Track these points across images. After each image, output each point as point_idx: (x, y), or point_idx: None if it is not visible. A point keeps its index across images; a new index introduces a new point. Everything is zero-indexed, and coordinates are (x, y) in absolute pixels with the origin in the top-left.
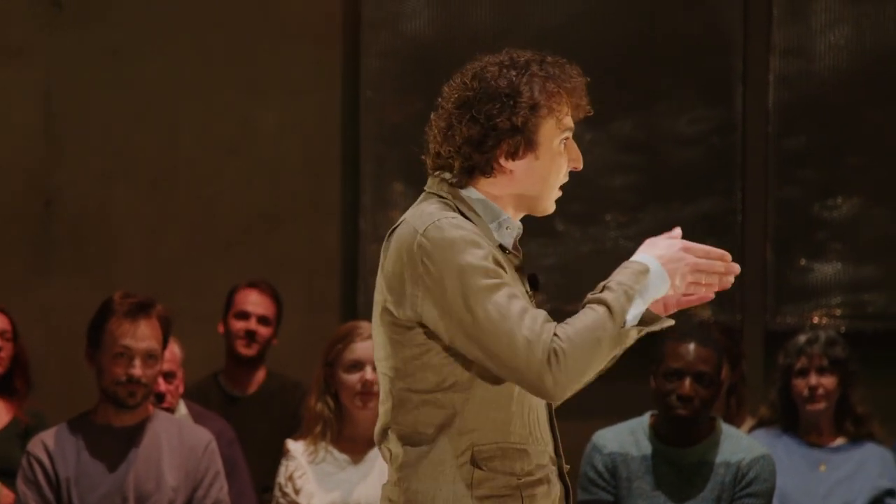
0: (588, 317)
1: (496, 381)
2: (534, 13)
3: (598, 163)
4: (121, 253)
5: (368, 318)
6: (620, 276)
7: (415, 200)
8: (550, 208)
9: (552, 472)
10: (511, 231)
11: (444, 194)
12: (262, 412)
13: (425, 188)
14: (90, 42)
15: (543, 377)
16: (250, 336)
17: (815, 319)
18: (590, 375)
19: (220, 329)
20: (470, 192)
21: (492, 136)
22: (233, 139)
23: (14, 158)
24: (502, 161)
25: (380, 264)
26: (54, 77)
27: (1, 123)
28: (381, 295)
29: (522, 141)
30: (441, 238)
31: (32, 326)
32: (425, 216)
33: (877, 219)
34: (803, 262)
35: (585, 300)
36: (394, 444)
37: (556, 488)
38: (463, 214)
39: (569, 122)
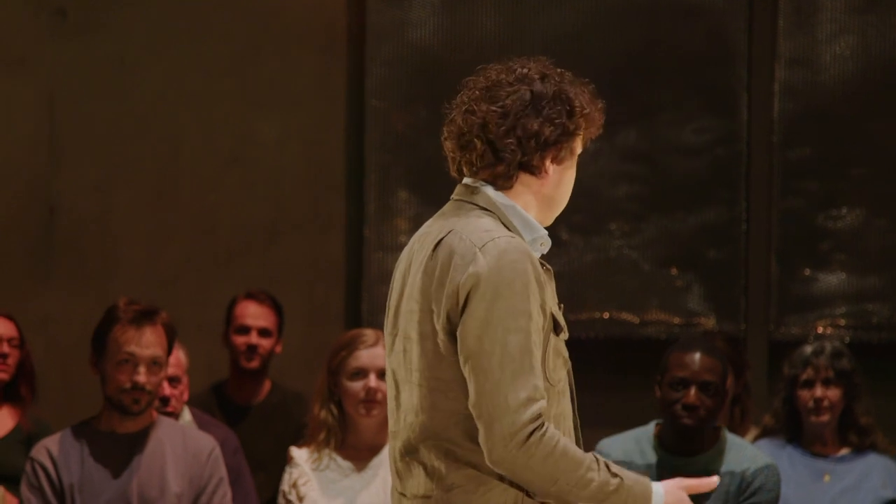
0: (583, 464)
1: (550, 402)
2: (539, 23)
3: (602, 172)
4: (122, 262)
5: (373, 326)
6: (631, 482)
7: (419, 209)
8: (552, 220)
9: None
10: (544, 247)
11: (485, 205)
12: (265, 424)
13: (459, 196)
14: (93, 51)
15: (501, 448)
16: (252, 350)
17: (819, 330)
18: (527, 483)
19: (223, 343)
20: (507, 203)
21: (554, 136)
22: (236, 148)
23: (16, 167)
24: (547, 163)
25: (417, 270)
26: (57, 86)
27: (4, 132)
28: (421, 304)
29: (569, 147)
30: (498, 261)
31: (33, 335)
32: (482, 231)
33: (881, 229)
34: (807, 272)
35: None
36: (433, 459)
37: None
38: (507, 228)
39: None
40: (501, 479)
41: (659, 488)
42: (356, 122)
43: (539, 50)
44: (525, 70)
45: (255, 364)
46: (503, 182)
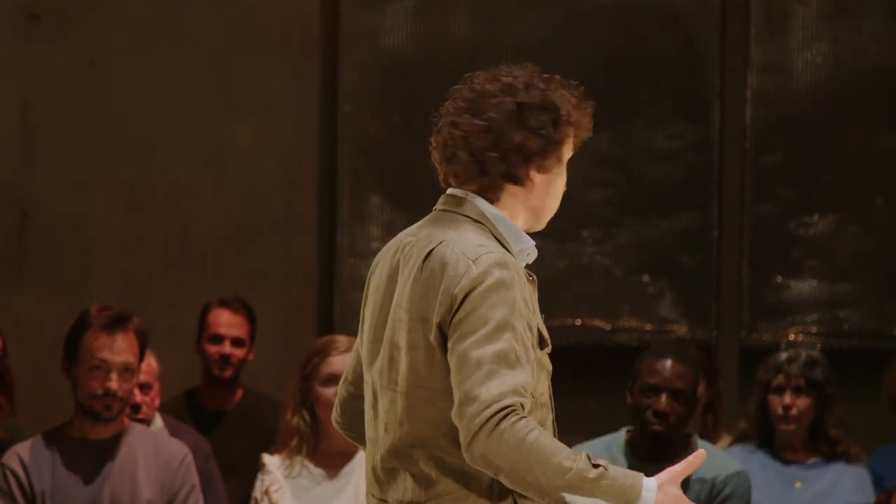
0: (560, 453)
1: (533, 414)
2: (513, 29)
3: (575, 178)
4: (96, 265)
5: (345, 332)
6: (616, 473)
7: (391, 214)
8: (544, 225)
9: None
10: (531, 258)
11: (476, 217)
12: (238, 430)
13: (446, 207)
14: (67, 54)
15: (473, 438)
16: (225, 359)
17: (791, 336)
18: (504, 474)
19: (196, 350)
20: (497, 214)
21: (539, 147)
22: (209, 152)
23: None
24: (532, 172)
25: (407, 280)
26: (30, 89)
27: None
28: (410, 313)
29: (555, 155)
30: (490, 273)
31: (6, 338)
32: (474, 244)
33: (852, 236)
34: (779, 279)
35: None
36: (422, 467)
37: None
38: (497, 240)
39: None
40: (492, 487)
41: (652, 483)
42: (329, 127)
43: (512, 55)
44: (510, 79)
45: (228, 373)
46: (490, 194)
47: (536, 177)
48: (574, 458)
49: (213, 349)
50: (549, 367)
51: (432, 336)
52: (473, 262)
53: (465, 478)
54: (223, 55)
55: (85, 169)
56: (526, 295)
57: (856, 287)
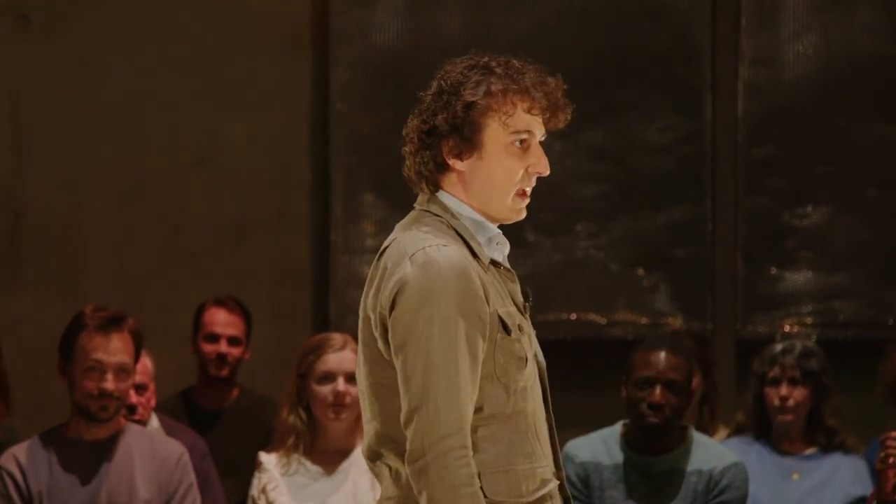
0: None
1: (501, 401)
2: (503, 24)
3: (568, 172)
4: (89, 265)
5: (339, 330)
6: None
7: (385, 212)
8: (516, 214)
9: (555, 485)
10: (502, 247)
11: (437, 212)
12: (234, 429)
13: (415, 205)
14: (58, 54)
15: (419, 458)
16: (221, 359)
17: (786, 328)
18: (425, 499)
19: (191, 349)
20: (461, 208)
21: (434, 134)
22: (202, 151)
23: None
24: (450, 160)
25: (368, 280)
26: (22, 89)
27: None
28: (368, 312)
29: (461, 140)
30: (424, 270)
31: (0, 340)
32: (417, 240)
33: (846, 227)
34: (773, 270)
35: None
36: (394, 461)
37: (558, 502)
38: (458, 232)
39: (519, 123)
40: None
41: None
42: (321, 125)
43: (503, 51)
44: (444, 70)
45: (224, 372)
46: (431, 186)
47: (457, 164)
48: None
49: (209, 348)
50: (523, 353)
51: (378, 333)
52: (410, 257)
53: None
54: (215, 54)
55: (77, 169)
56: (477, 281)
57: (850, 277)
